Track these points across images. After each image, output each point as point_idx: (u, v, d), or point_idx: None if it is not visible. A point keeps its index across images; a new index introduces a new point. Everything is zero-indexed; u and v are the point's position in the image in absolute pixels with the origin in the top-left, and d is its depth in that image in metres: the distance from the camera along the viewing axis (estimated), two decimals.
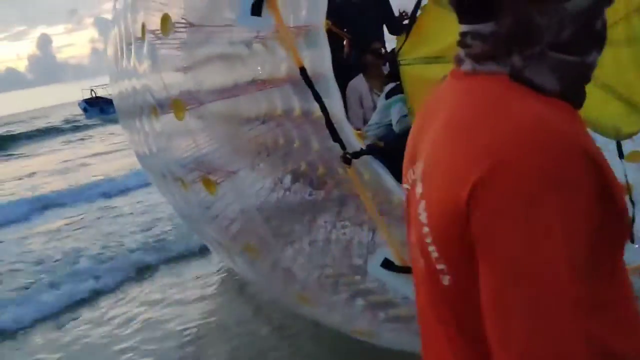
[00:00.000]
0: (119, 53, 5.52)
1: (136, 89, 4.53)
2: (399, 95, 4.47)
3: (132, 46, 4.64)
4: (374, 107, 5.15)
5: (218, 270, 6.70)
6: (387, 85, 4.70)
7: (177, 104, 3.05)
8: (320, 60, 3.02)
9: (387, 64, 5.80)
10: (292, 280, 3.27)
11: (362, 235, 3.66)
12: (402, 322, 3.19)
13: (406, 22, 5.66)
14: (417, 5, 3.47)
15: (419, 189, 1.06)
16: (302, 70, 2.84)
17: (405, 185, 1.19)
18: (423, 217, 1.03)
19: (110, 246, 8.20)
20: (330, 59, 3.10)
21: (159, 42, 3.86)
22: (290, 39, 2.82)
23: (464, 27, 1.08)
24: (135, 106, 4.80)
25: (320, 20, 3.02)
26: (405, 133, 4.41)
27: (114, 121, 15.51)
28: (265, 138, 3.86)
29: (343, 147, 2.90)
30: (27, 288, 6.99)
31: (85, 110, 47.05)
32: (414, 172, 1.12)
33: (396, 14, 6.01)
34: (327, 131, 3.45)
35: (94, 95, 49.64)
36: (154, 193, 8.80)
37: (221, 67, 3.90)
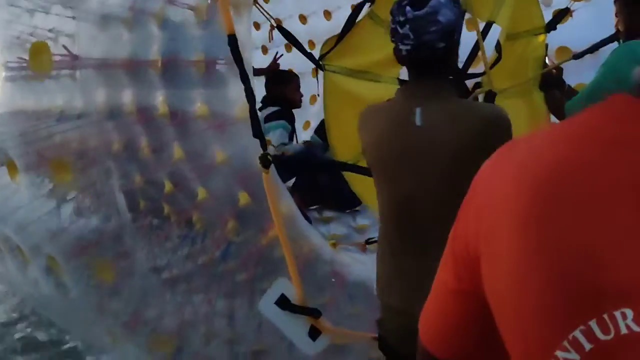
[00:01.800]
0: None
1: None
2: (280, 122, 4.17)
3: None
4: None
5: None
6: (266, 109, 4.23)
7: None
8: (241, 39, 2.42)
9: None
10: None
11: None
12: None
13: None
14: (355, 16, 3.22)
15: None
16: (232, 38, 2.21)
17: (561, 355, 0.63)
18: None
19: None
20: (251, 41, 2.52)
21: None
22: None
23: None
24: None
25: None
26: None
27: None
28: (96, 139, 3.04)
29: (264, 146, 2.29)
30: None
31: None
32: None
33: None
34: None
35: None
36: None
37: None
